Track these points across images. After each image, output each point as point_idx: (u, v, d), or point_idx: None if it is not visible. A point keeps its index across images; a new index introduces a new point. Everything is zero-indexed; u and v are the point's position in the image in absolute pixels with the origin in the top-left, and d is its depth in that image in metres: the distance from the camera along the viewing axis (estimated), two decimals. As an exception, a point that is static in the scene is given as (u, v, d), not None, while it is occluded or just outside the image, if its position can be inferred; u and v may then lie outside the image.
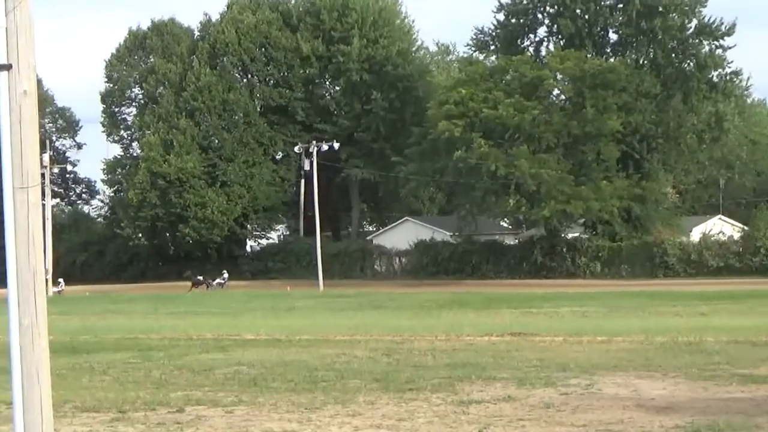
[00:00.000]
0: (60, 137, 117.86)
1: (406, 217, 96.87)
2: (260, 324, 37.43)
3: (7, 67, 6.08)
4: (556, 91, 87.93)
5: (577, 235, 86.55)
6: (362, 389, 18.33)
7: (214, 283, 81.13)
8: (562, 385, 18.09)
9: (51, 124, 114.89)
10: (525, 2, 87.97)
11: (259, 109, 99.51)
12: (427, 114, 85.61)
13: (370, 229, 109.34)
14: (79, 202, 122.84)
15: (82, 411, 17.76)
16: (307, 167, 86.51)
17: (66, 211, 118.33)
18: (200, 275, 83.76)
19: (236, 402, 17.36)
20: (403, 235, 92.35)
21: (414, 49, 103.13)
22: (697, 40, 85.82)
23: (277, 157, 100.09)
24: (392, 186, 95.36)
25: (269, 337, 31.24)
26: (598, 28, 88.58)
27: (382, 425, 14.55)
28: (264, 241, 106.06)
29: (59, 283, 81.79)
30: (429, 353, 24.78)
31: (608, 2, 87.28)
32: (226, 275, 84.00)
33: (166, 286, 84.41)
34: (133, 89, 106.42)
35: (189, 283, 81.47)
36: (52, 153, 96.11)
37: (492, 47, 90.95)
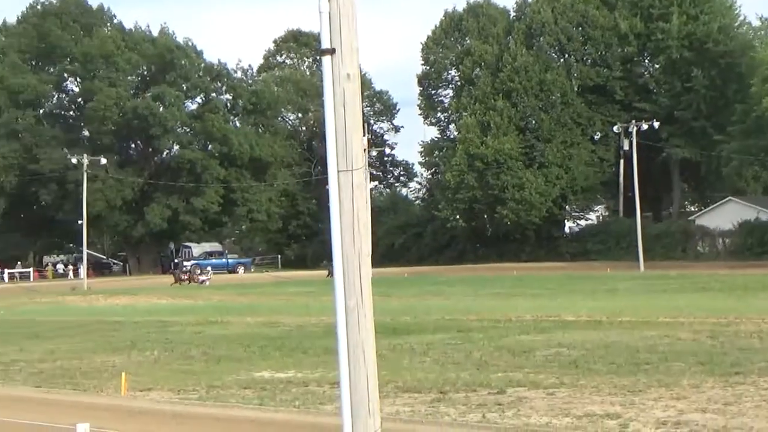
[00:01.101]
0: (377, 120, 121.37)
1: (729, 197, 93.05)
2: (580, 305, 37.04)
3: (331, 52, 6.19)
4: None
5: None
6: (686, 372, 17.78)
7: (201, 278, 79.34)
8: None
9: (369, 108, 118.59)
10: None
11: (576, 89, 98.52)
12: (750, 91, 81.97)
13: (692, 209, 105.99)
14: (396, 184, 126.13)
15: (403, 391, 18.17)
16: (626, 147, 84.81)
17: (384, 193, 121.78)
18: (182, 267, 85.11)
19: (557, 384, 17.21)
20: (726, 216, 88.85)
21: (736, 24, 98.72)
22: None
23: (596, 137, 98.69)
24: (714, 165, 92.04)
25: (589, 319, 30.87)
26: None
27: (707, 409, 14.01)
28: (582, 222, 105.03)
29: (208, 271, 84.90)
30: (756, 336, 23.73)
31: None
32: (210, 271, 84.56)
33: (485, 267, 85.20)
34: (450, 71, 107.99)
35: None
36: (370, 136, 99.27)
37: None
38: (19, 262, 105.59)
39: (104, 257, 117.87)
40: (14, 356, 29.58)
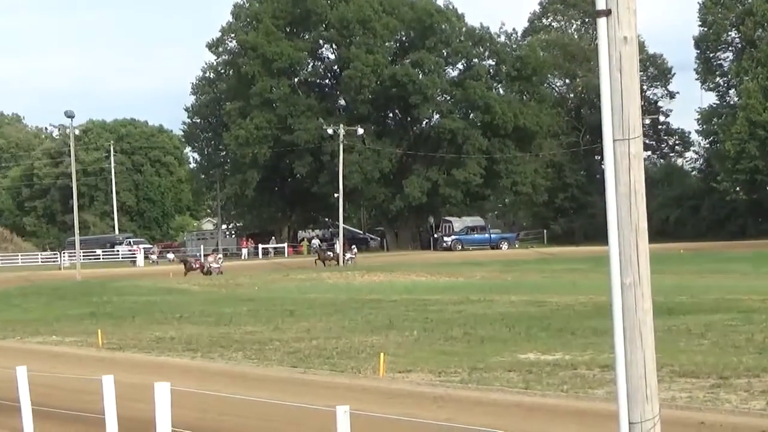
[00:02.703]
0: (651, 86, 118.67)
1: None
2: None
3: (606, 13, 6.17)
4: None
5: None
6: None
7: (213, 265, 74.87)
8: None
9: (642, 73, 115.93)
10: None
11: None
12: None
13: None
14: (671, 154, 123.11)
15: (679, 376, 17.87)
16: None
17: (658, 164, 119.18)
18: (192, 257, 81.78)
19: None
20: None
21: None
22: None
23: None
24: None
25: None
26: None
27: None
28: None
29: (353, 251, 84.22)
30: None
31: None
32: (221, 257, 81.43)
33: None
34: (729, 32, 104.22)
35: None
36: (643, 103, 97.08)
37: None
38: (273, 237, 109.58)
39: (361, 232, 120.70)
40: (269, 335, 30.81)
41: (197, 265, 74.13)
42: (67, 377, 20.14)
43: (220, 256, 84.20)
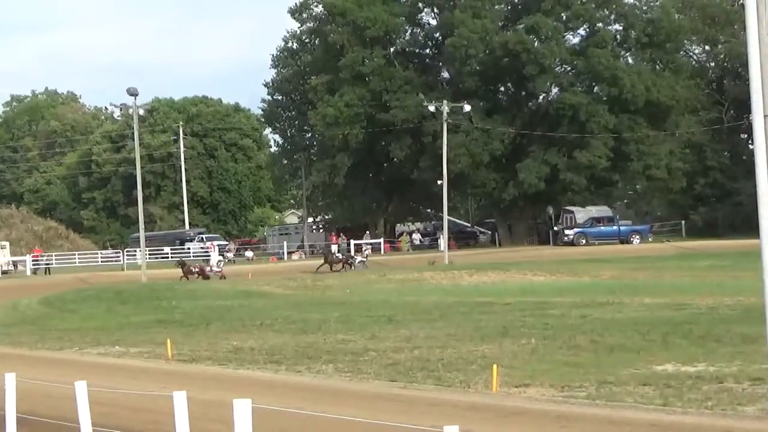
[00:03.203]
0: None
1: None
2: None
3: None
4: None
5: None
6: None
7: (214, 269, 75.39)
8: None
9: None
10: None
11: None
12: None
13: None
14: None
15: None
16: None
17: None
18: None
19: None
20: None
21: None
22: None
23: None
24: None
25: None
26: None
27: None
28: None
29: (364, 253, 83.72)
30: None
31: None
32: (221, 260, 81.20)
33: None
34: None
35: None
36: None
37: None
38: (367, 232, 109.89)
39: (468, 225, 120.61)
40: (364, 344, 30.96)
41: (196, 269, 74.77)
42: (133, 394, 20.50)
43: (220, 259, 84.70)
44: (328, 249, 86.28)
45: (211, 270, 74.78)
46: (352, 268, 77.20)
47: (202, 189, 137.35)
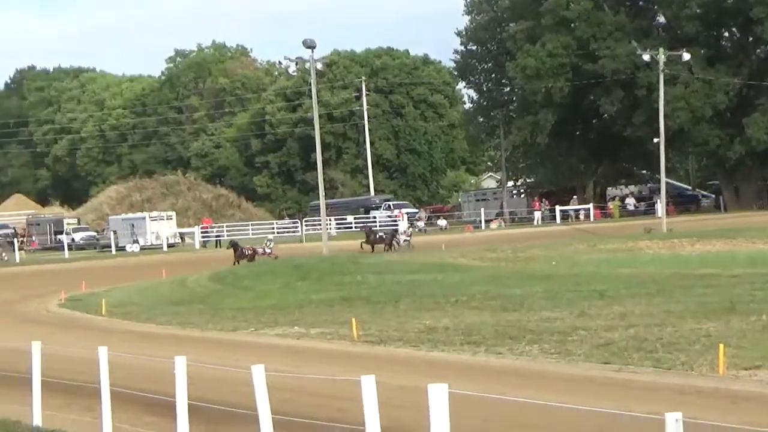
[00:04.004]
0: None
1: None
2: None
3: None
4: None
5: None
6: None
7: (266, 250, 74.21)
8: None
9: None
10: None
11: None
12: None
13: None
14: None
15: None
16: None
17: None
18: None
19: None
20: None
21: None
22: None
23: None
24: None
25: None
26: None
27: None
28: None
29: (269, 242, 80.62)
30: None
31: None
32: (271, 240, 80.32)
33: None
34: None
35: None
36: None
37: None
38: (574, 196, 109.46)
39: (689, 188, 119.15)
40: (573, 322, 30.88)
41: (249, 252, 75.03)
42: (315, 378, 20.75)
43: (270, 238, 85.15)
44: (369, 229, 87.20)
45: (264, 252, 75.05)
46: (398, 247, 77.66)
47: (388, 151, 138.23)
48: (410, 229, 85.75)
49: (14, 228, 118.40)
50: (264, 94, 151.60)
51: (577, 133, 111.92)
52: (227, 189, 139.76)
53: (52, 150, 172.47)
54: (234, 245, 77.32)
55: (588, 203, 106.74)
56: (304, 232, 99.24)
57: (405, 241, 79.09)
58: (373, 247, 77.57)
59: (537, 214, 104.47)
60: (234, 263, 71.97)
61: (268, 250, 76.03)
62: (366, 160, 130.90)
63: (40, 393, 21.03)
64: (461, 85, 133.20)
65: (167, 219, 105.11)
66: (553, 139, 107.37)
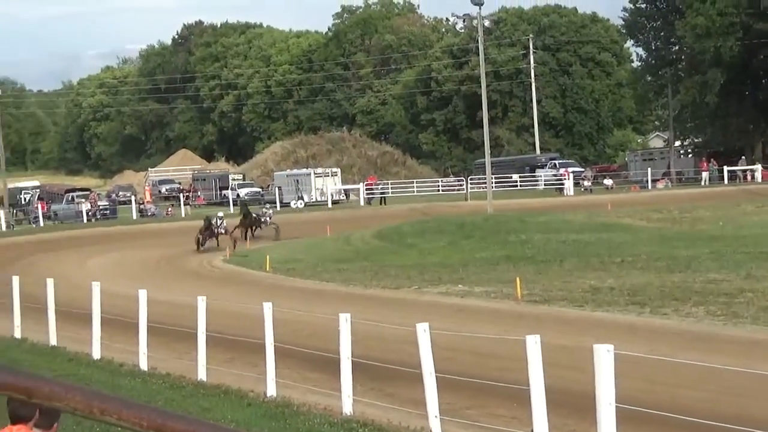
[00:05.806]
0: None
1: None
2: None
3: None
4: None
5: None
6: None
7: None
8: None
9: None
10: None
11: None
12: None
13: None
14: None
15: None
16: None
17: None
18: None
19: None
20: None
21: None
22: None
23: None
24: None
25: None
26: None
27: None
28: None
29: (267, 211, 73.13)
30: None
31: None
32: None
33: None
34: None
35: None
36: None
37: None
38: (742, 157, 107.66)
39: None
40: (740, 284, 30.48)
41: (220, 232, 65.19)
42: (477, 337, 20.78)
43: (268, 208, 78.21)
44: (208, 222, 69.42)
45: (265, 222, 68.96)
46: (259, 229, 69.42)
47: (554, 109, 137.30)
48: (270, 210, 76.77)
49: (180, 183, 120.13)
50: (430, 51, 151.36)
51: (747, 93, 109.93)
52: (392, 146, 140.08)
53: (218, 106, 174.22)
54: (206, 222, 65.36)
55: (756, 164, 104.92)
56: (469, 191, 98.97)
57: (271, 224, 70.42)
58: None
59: (704, 175, 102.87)
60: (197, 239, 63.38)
61: (268, 219, 69.58)
62: (532, 119, 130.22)
63: (205, 348, 21.37)
64: (629, 43, 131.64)
65: (332, 175, 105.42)
66: (722, 99, 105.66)
